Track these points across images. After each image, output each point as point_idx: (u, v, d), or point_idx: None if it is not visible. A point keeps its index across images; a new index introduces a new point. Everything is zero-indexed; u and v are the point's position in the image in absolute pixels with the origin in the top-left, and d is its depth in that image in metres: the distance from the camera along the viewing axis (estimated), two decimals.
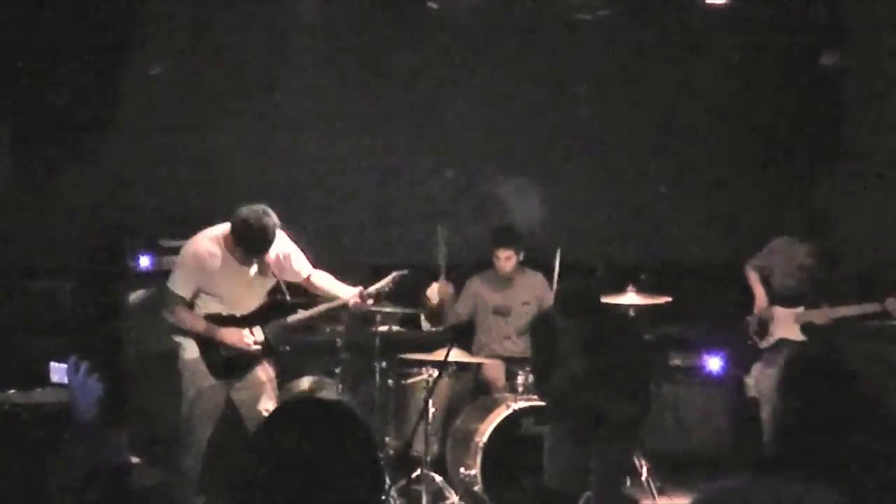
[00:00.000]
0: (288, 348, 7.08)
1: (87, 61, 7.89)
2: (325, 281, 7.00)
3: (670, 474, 8.29)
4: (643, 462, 8.07)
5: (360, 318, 7.68)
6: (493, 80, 9.16)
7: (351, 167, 8.89)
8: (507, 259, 8.31)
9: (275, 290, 6.92)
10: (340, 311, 7.18)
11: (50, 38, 7.83)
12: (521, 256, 8.40)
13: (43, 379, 6.64)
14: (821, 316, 7.80)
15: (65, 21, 7.84)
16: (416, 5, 8.62)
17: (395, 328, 7.99)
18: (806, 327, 7.85)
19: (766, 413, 7.78)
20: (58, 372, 6.80)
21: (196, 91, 8.53)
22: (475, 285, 8.57)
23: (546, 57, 9.08)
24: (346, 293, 6.91)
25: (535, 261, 8.54)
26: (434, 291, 8.44)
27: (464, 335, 8.24)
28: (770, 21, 8.97)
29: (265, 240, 6.53)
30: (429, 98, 9.06)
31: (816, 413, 3.36)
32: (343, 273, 7.30)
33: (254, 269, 6.77)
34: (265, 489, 2.56)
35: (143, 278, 8.06)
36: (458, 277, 8.67)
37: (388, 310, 7.71)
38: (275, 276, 6.82)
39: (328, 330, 7.90)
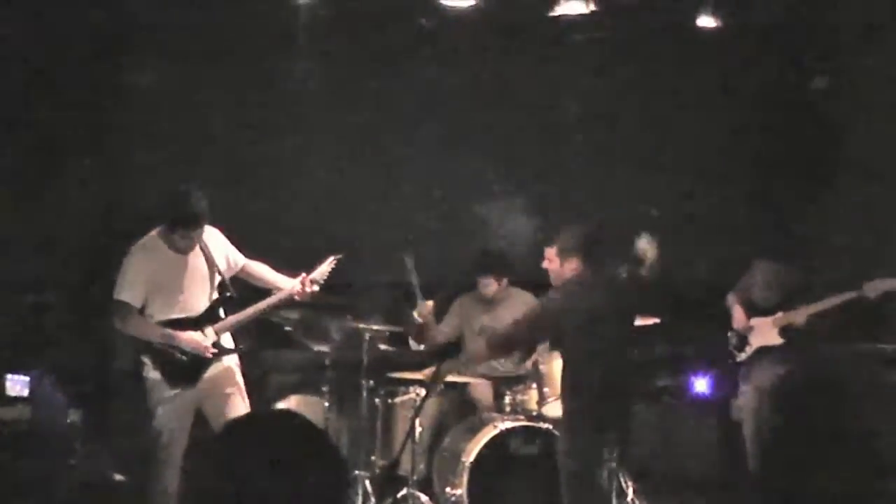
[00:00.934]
0: (242, 347, 7.03)
1: (82, 71, 7.91)
2: (262, 270, 6.99)
3: (657, 495, 8.21)
4: (629, 482, 7.88)
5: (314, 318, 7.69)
6: (482, 103, 9.28)
7: (355, 184, 9.01)
8: (487, 286, 8.38)
9: (221, 288, 6.88)
10: (287, 302, 7.09)
11: (42, 47, 7.85)
12: (505, 283, 8.44)
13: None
14: (799, 315, 7.70)
15: (55, 30, 7.87)
16: (408, 26, 8.77)
17: (383, 347, 8.01)
18: (785, 329, 7.78)
19: (747, 431, 7.86)
20: (17, 384, 6.86)
21: (190, 100, 8.58)
22: (461, 306, 8.58)
23: (538, 80, 9.18)
24: (286, 283, 6.89)
25: (525, 280, 8.49)
26: (420, 312, 8.24)
27: (451, 355, 8.09)
28: (761, 45, 9.11)
29: (196, 212, 6.46)
30: (414, 118, 9.12)
31: (803, 439, 3.45)
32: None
33: (196, 258, 6.72)
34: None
35: None
36: (444, 298, 8.60)
37: (377, 328, 7.71)
38: (218, 270, 6.80)
39: (315, 349, 7.89)
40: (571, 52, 8.94)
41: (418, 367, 8.08)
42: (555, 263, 6.53)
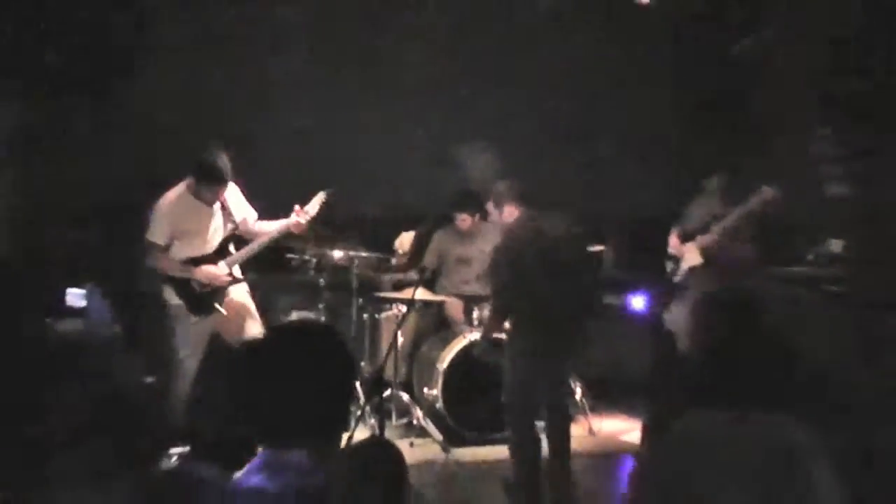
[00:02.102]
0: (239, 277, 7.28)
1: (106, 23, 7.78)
2: (269, 225, 7.29)
3: (600, 395, 8.62)
4: (579, 385, 8.42)
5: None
6: (459, 59, 9.28)
7: (338, 133, 8.93)
8: (462, 221, 8.54)
9: (230, 235, 7.23)
10: (285, 233, 7.32)
11: None
12: (478, 218, 8.47)
13: (72, 310, 7.06)
14: (713, 235, 7.69)
15: None
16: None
17: (370, 271, 8.32)
18: (704, 250, 7.79)
19: (682, 344, 7.68)
20: (75, 297, 7.06)
21: (207, 60, 8.55)
22: (440, 239, 8.77)
23: (503, 37, 9.21)
24: (285, 222, 7.17)
25: None
26: (402, 241, 8.71)
27: (430, 278, 8.40)
28: (695, 13, 9.15)
29: (221, 170, 6.84)
30: (404, 77, 9.17)
31: (722, 346, 3.59)
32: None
33: (215, 208, 7.07)
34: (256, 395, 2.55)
35: None
36: (423, 231, 8.91)
37: (365, 254, 8.04)
38: (232, 219, 7.15)
39: (312, 272, 8.13)
40: (534, 18, 9.03)
41: (400, 288, 8.29)
42: (495, 214, 6.71)
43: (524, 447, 6.55)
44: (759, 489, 1.47)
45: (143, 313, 7.54)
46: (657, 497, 1.47)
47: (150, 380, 7.32)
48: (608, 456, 7.72)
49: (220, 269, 7.07)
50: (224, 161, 6.85)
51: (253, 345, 2.87)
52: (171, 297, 7.03)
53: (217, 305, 7.07)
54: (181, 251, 7.00)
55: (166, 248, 6.96)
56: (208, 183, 6.90)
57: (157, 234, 6.93)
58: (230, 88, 8.60)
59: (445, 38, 9.23)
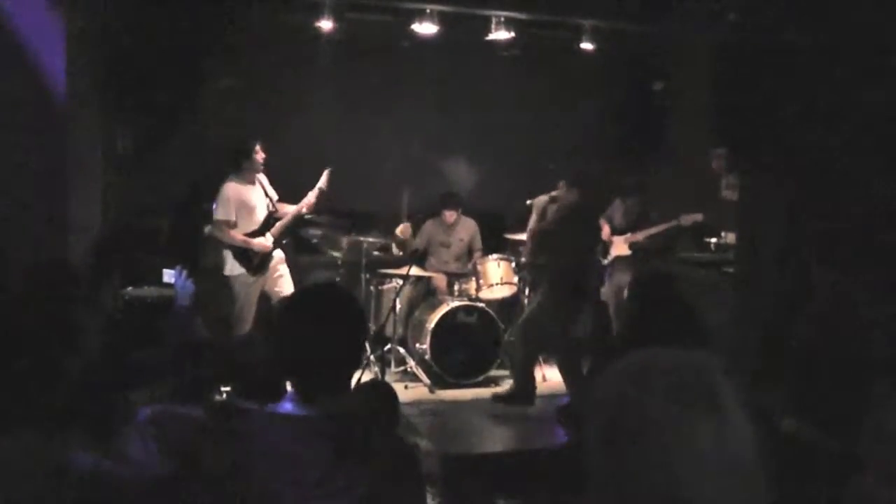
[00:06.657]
0: (285, 242, 7.62)
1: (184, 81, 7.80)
2: (290, 207, 7.62)
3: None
4: None
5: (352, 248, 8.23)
6: (445, 101, 9.30)
7: (358, 148, 8.90)
8: (449, 215, 8.93)
9: (269, 208, 7.53)
10: (308, 209, 7.51)
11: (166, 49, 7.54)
12: (459, 212, 8.90)
13: (152, 280, 7.30)
14: (640, 236, 8.29)
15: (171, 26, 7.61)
16: (394, 51, 8.84)
17: (376, 252, 8.50)
18: (631, 245, 8.35)
19: (611, 310, 8.40)
20: (168, 275, 7.56)
21: (248, 104, 8.45)
22: (429, 227, 9.09)
23: (478, 84, 9.20)
24: (304, 201, 7.64)
25: (469, 210, 9.04)
26: (400, 230, 8.87)
27: (420, 258, 8.56)
28: (619, 61, 9.26)
29: (250, 147, 7.28)
30: (405, 114, 9.16)
31: (649, 311, 3.81)
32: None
33: (259, 190, 7.47)
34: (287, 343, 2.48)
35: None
36: (416, 221, 8.94)
37: (372, 240, 8.24)
38: (269, 197, 7.54)
39: (332, 253, 8.34)
40: (499, 62, 9.02)
41: (399, 266, 8.42)
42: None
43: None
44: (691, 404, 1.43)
45: (201, 284, 7.64)
46: (607, 419, 1.40)
47: (205, 334, 7.45)
48: (557, 396, 7.68)
49: (267, 240, 7.57)
50: (251, 141, 7.31)
51: (286, 302, 2.78)
52: (233, 270, 7.48)
53: (268, 267, 7.50)
54: (240, 227, 7.44)
55: (234, 224, 7.43)
56: (244, 157, 7.33)
57: (224, 213, 7.41)
58: (275, 123, 8.52)
59: (436, 87, 9.36)
